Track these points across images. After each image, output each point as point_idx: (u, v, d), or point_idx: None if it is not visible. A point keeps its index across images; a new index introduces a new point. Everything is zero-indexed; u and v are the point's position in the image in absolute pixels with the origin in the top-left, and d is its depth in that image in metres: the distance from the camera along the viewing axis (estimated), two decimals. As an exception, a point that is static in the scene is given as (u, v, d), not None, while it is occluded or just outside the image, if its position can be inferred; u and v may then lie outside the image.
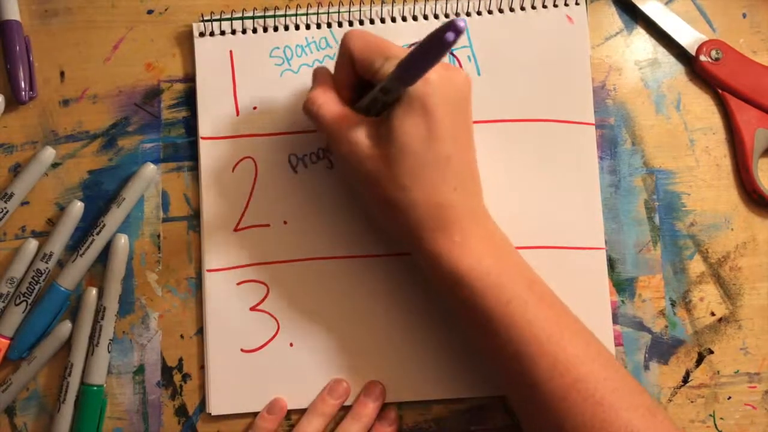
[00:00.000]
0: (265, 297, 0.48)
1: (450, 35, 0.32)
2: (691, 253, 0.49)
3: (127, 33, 0.50)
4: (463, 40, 0.49)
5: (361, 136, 0.40)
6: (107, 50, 0.50)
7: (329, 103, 0.41)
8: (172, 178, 0.49)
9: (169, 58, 0.50)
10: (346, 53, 0.41)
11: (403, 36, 0.49)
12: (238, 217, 0.48)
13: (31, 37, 0.50)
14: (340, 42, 0.42)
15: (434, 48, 0.34)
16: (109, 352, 0.47)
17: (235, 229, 0.48)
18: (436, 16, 0.50)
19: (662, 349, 0.48)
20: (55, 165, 0.49)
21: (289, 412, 0.48)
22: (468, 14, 0.50)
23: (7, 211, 0.48)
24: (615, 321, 0.48)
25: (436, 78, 0.39)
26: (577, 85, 0.49)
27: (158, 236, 0.49)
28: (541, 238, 0.48)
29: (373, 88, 0.41)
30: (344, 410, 0.47)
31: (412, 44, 0.38)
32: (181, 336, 0.48)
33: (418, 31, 0.49)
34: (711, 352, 0.48)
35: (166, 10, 0.50)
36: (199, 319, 0.48)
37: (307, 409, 0.47)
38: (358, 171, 0.41)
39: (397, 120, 0.39)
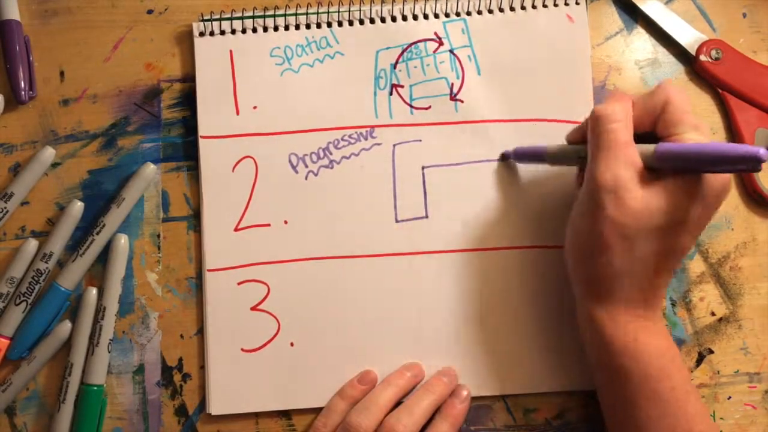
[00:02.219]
0: (266, 297, 0.48)
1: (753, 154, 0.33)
2: (691, 253, 0.49)
3: (127, 33, 0.50)
4: (463, 39, 0.49)
5: (628, 178, 0.38)
6: (107, 50, 0.50)
7: (625, 129, 0.39)
8: (172, 178, 0.49)
9: (169, 58, 0.50)
10: (660, 98, 0.40)
11: (402, 35, 0.49)
12: (238, 217, 0.48)
13: (31, 37, 0.50)
14: (655, 87, 0.41)
15: (724, 159, 0.34)
16: (109, 352, 0.47)
17: (236, 229, 0.48)
18: (436, 16, 0.50)
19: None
20: (55, 165, 0.49)
21: (290, 412, 0.48)
22: (468, 13, 0.50)
23: (7, 211, 0.48)
24: (615, 321, 0.48)
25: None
26: (577, 84, 0.49)
27: (158, 236, 0.49)
28: (541, 237, 0.48)
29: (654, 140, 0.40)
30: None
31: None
32: (181, 336, 0.48)
33: (419, 30, 0.49)
34: (711, 352, 0.49)
35: (166, 9, 0.50)
36: (199, 319, 0.48)
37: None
38: (606, 206, 0.38)
39: (677, 195, 0.38)
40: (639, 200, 0.38)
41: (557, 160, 0.45)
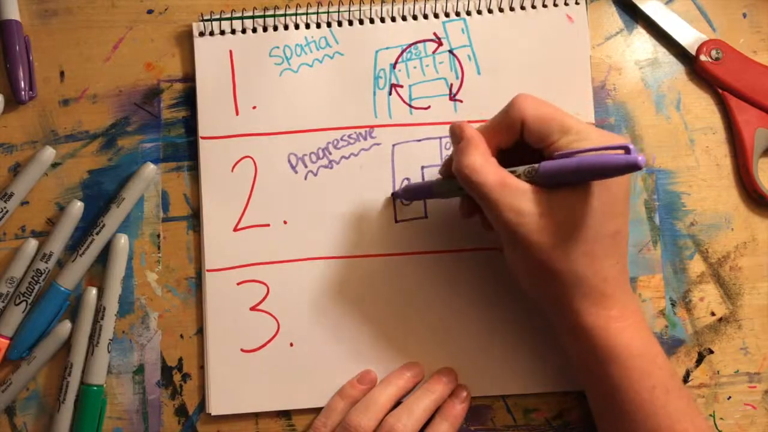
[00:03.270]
0: (265, 297, 0.48)
1: (638, 162, 0.33)
2: (691, 253, 0.49)
3: (127, 33, 0.50)
4: (462, 39, 0.49)
5: (528, 206, 0.38)
6: (107, 50, 0.50)
7: (490, 169, 0.39)
8: (171, 178, 0.49)
9: (168, 58, 0.50)
10: (516, 118, 0.40)
11: (402, 35, 0.49)
12: (238, 217, 0.48)
13: (31, 37, 0.50)
14: (508, 104, 0.40)
15: (611, 167, 0.35)
16: (108, 352, 0.47)
17: (235, 229, 0.48)
18: (436, 16, 0.50)
19: (662, 349, 0.48)
20: (54, 165, 0.49)
21: (290, 412, 0.48)
22: (468, 13, 0.50)
23: (7, 211, 0.48)
24: (615, 321, 0.48)
25: None
26: (577, 84, 0.49)
27: (158, 236, 0.49)
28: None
29: (524, 154, 0.40)
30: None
31: (580, 150, 0.37)
32: (181, 336, 0.48)
33: (418, 30, 0.49)
34: (711, 352, 0.48)
35: (166, 9, 0.50)
36: (199, 319, 0.48)
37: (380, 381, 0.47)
38: (521, 240, 0.39)
39: (577, 196, 0.38)
40: (544, 216, 0.38)
41: (443, 194, 0.45)
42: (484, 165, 0.39)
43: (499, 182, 0.39)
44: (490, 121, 0.42)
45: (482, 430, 0.48)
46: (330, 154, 0.49)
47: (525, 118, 0.40)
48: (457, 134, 0.41)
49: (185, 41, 0.50)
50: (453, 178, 0.42)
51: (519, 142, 0.41)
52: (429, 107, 0.49)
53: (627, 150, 0.34)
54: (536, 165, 0.38)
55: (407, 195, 0.48)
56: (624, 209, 0.40)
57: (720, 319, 0.49)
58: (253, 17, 0.50)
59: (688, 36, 0.50)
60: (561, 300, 0.40)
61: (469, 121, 0.49)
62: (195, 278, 0.49)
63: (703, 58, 0.49)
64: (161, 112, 0.50)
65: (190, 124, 0.50)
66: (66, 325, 0.48)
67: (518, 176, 0.39)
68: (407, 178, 0.49)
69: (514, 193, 0.38)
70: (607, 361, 0.40)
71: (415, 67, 0.49)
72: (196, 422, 0.48)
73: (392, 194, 0.49)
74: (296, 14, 0.50)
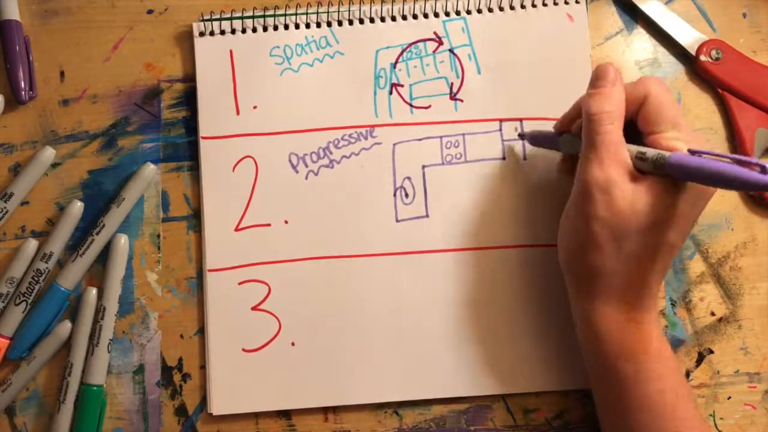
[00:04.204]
0: (267, 297, 0.48)
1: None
2: (691, 253, 0.49)
3: (127, 33, 0.50)
4: (463, 38, 0.50)
5: (619, 178, 0.38)
6: (107, 50, 0.50)
7: (618, 129, 0.39)
8: (172, 178, 0.49)
9: (169, 58, 0.50)
10: (641, 92, 0.40)
11: (402, 35, 0.49)
12: (239, 217, 0.48)
13: (31, 37, 0.50)
14: (637, 80, 0.41)
15: (741, 181, 0.34)
16: (109, 352, 0.47)
17: (236, 229, 0.48)
18: (436, 15, 0.50)
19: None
20: (54, 165, 0.49)
21: (290, 412, 0.48)
22: (468, 12, 0.50)
23: (7, 211, 0.48)
24: (615, 321, 0.48)
25: None
26: (577, 83, 0.49)
27: (158, 236, 0.49)
28: (542, 236, 0.48)
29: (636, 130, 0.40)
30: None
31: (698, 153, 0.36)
32: (181, 336, 0.48)
33: (418, 29, 0.49)
34: (711, 352, 0.49)
35: (166, 9, 0.50)
36: (199, 319, 0.48)
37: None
38: (592, 205, 0.39)
39: (663, 194, 0.38)
40: (628, 200, 0.38)
41: (566, 149, 0.45)
42: (617, 119, 0.39)
43: (618, 142, 0.39)
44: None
45: (482, 430, 0.48)
46: (331, 153, 0.49)
47: (648, 96, 0.40)
48: (602, 74, 0.41)
49: (185, 41, 0.50)
50: (573, 136, 0.42)
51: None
52: (429, 106, 0.49)
53: (764, 169, 0.33)
54: (653, 151, 0.38)
55: (533, 140, 0.48)
56: (691, 225, 0.40)
57: (720, 319, 0.49)
58: (253, 17, 0.50)
59: (688, 36, 0.50)
60: (590, 279, 0.40)
61: (470, 121, 0.49)
62: (195, 278, 0.49)
63: (703, 58, 0.49)
64: (161, 112, 0.50)
65: (191, 124, 0.50)
66: (66, 325, 0.47)
67: (640, 156, 0.39)
68: (408, 177, 0.49)
69: (618, 161, 0.38)
70: (620, 357, 0.40)
71: (415, 67, 0.49)
72: (196, 422, 0.48)
73: (519, 135, 0.49)
74: (296, 14, 0.50)
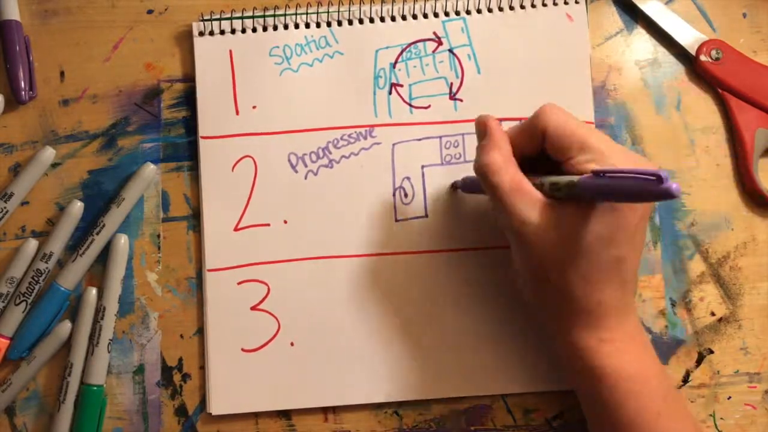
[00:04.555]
0: (266, 296, 0.48)
1: (672, 191, 0.32)
2: (691, 253, 0.49)
3: (127, 33, 0.50)
4: (462, 38, 0.50)
5: (536, 217, 0.38)
6: (107, 50, 0.50)
7: (508, 171, 0.39)
8: (172, 178, 0.49)
9: (169, 58, 0.50)
10: (539, 127, 0.40)
11: (402, 35, 0.49)
12: (238, 217, 0.48)
13: (31, 37, 0.50)
14: (534, 113, 0.40)
15: (645, 194, 0.33)
16: (109, 352, 0.47)
17: (236, 229, 0.48)
18: (435, 15, 0.50)
19: (662, 349, 0.48)
20: (55, 165, 0.49)
21: (290, 412, 0.48)
22: (468, 12, 0.50)
23: (7, 211, 0.48)
24: (615, 321, 0.48)
25: None
26: (577, 83, 0.49)
27: (158, 236, 0.49)
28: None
29: (549, 164, 0.40)
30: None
31: (606, 172, 0.36)
32: (181, 336, 0.48)
33: (418, 29, 0.50)
34: (711, 352, 0.48)
35: (166, 9, 0.50)
36: (199, 319, 0.48)
37: None
38: (523, 246, 0.39)
39: (581, 217, 0.37)
40: (549, 231, 0.38)
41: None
42: (502, 167, 0.39)
43: (513, 186, 0.39)
44: (518, 125, 0.42)
45: (482, 430, 0.48)
46: (330, 153, 0.49)
47: (546, 129, 0.39)
48: (481, 130, 0.41)
49: (185, 41, 0.50)
50: None
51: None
52: (429, 106, 0.49)
53: (660, 179, 0.33)
54: (563, 178, 0.38)
55: (465, 187, 0.47)
56: (630, 237, 0.39)
57: (720, 319, 0.49)
58: (253, 17, 0.50)
59: (688, 36, 0.50)
60: (555, 314, 0.41)
61: (470, 121, 0.49)
62: (195, 278, 0.49)
63: (703, 58, 0.49)
64: (161, 112, 0.50)
65: (190, 124, 0.50)
66: (66, 325, 0.48)
67: (540, 185, 0.39)
68: (407, 177, 0.49)
69: (525, 200, 0.38)
70: (595, 380, 0.40)
71: (415, 67, 0.49)
72: (196, 422, 0.48)
73: (451, 185, 0.48)
74: (296, 14, 0.50)
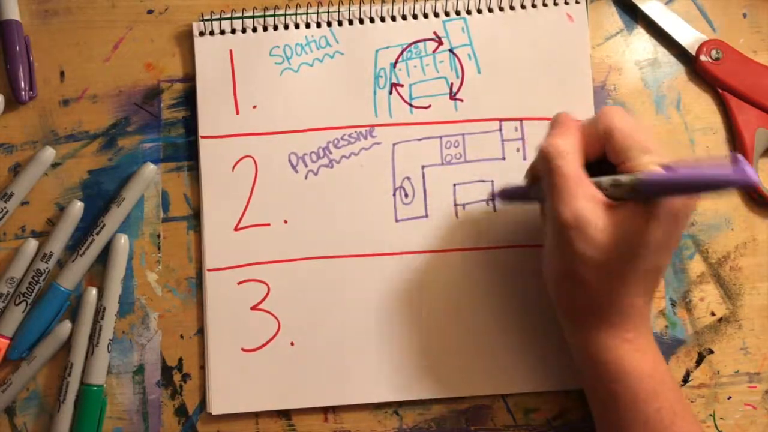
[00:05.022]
0: (266, 296, 0.48)
1: (741, 178, 0.32)
2: (691, 253, 0.49)
3: (127, 33, 0.50)
4: (463, 38, 0.50)
5: (591, 212, 0.37)
6: (107, 50, 0.50)
7: (575, 159, 0.39)
8: (172, 178, 0.49)
9: (169, 58, 0.50)
10: (604, 128, 0.39)
11: (402, 34, 0.49)
12: (238, 217, 0.48)
13: (31, 37, 0.50)
14: (596, 114, 0.40)
15: (713, 185, 0.33)
16: (109, 352, 0.47)
17: (236, 229, 0.48)
18: (436, 15, 0.50)
19: (662, 349, 0.47)
20: (55, 165, 0.49)
21: (290, 412, 0.48)
22: (468, 12, 0.50)
23: (7, 211, 0.48)
24: (615, 321, 0.48)
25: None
26: (577, 83, 0.49)
27: (158, 236, 0.49)
28: (541, 236, 0.48)
29: (609, 165, 0.40)
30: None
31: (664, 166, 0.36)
32: (181, 336, 0.48)
33: (418, 29, 0.50)
34: (711, 352, 0.48)
35: (166, 9, 0.50)
36: (199, 319, 0.48)
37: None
38: (567, 242, 0.38)
39: (636, 221, 0.37)
40: (605, 232, 0.37)
41: (539, 196, 0.43)
42: (570, 153, 0.39)
43: (577, 176, 0.38)
44: (578, 127, 0.41)
45: (482, 430, 0.48)
46: (330, 153, 0.49)
47: (612, 129, 0.39)
48: (558, 120, 0.41)
49: (185, 41, 0.50)
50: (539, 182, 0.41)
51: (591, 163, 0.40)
52: (429, 106, 0.49)
53: (736, 160, 0.33)
54: (627, 176, 0.38)
55: (504, 195, 0.47)
56: (675, 244, 0.39)
57: (720, 319, 0.49)
58: (253, 17, 0.50)
59: (688, 36, 0.50)
60: (580, 312, 0.40)
61: (470, 121, 0.49)
62: (195, 278, 0.49)
63: (703, 58, 0.49)
64: (161, 112, 0.50)
65: (190, 124, 0.50)
66: (66, 325, 0.48)
67: (598, 184, 0.39)
68: (408, 177, 0.49)
69: (585, 193, 0.38)
70: (615, 380, 0.39)
71: (415, 67, 0.49)
72: (196, 422, 0.48)
73: (489, 196, 0.48)
74: (296, 14, 0.50)
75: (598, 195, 0.38)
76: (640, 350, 0.40)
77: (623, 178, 0.38)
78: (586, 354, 0.41)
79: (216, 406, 0.47)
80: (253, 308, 0.48)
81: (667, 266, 0.40)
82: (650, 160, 0.38)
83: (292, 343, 0.48)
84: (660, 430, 0.39)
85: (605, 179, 0.39)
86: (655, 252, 0.38)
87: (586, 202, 0.38)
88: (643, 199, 0.37)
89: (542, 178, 0.40)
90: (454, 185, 0.49)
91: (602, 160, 0.40)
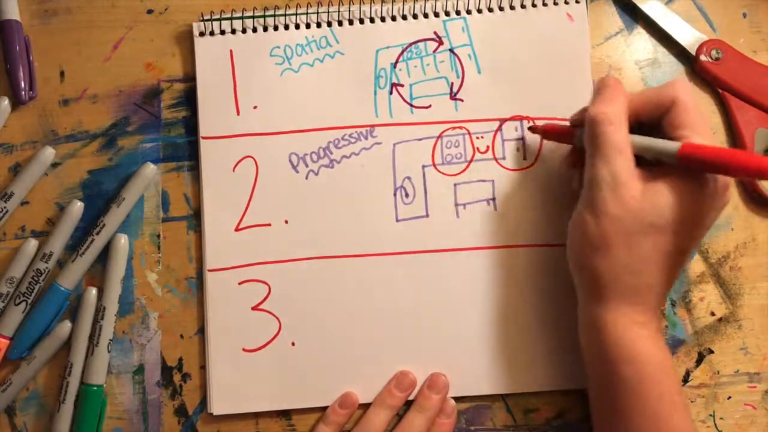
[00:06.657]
0: (267, 296, 0.48)
1: None
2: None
3: (127, 33, 0.50)
4: (463, 38, 0.50)
5: (626, 176, 0.38)
6: (107, 50, 0.50)
7: (622, 128, 0.39)
8: (172, 178, 0.49)
9: (169, 58, 0.50)
10: (669, 96, 0.40)
11: (402, 34, 0.49)
12: (239, 217, 0.48)
13: (31, 37, 0.50)
14: (666, 83, 0.41)
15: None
16: (108, 352, 0.47)
17: (236, 229, 0.48)
18: (436, 14, 0.50)
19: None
20: (54, 165, 0.49)
21: (290, 412, 0.48)
22: (468, 12, 0.50)
23: (7, 211, 0.48)
24: (615, 321, 0.48)
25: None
26: (577, 83, 0.49)
27: (158, 236, 0.49)
28: (543, 235, 0.48)
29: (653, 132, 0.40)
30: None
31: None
32: (181, 336, 0.48)
33: (419, 29, 0.50)
34: (711, 352, 0.49)
35: (166, 9, 0.50)
36: (199, 319, 0.48)
37: (372, 402, 0.47)
38: (600, 204, 0.39)
39: (671, 195, 0.38)
40: (638, 197, 0.38)
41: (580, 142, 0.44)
42: (617, 120, 0.39)
43: (621, 145, 0.39)
44: (639, 93, 0.42)
45: (482, 430, 0.48)
46: (331, 153, 0.49)
47: (677, 100, 0.40)
48: (607, 84, 0.41)
49: (185, 41, 0.50)
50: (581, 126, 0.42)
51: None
52: (430, 106, 0.49)
53: None
54: (674, 144, 0.38)
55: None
56: (704, 234, 0.40)
57: (720, 319, 0.49)
58: (253, 17, 0.50)
59: (688, 36, 0.50)
60: (599, 285, 0.40)
61: (470, 121, 0.49)
62: (195, 278, 0.49)
63: (703, 58, 0.49)
64: (161, 112, 0.50)
65: (191, 124, 0.50)
66: (66, 325, 0.47)
67: (642, 145, 0.40)
68: (408, 177, 0.49)
69: (627, 164, 0.39)
70: (621, 361, 0.39)
71: (415, 66, 0.49)
72: (196, 422, 0.48)
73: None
74: (296, 14, 0.50)
75: (636, 167, 0.39)
76: (649, 337, 0.40)
77: (671, 143, 0.39)
78: (596, 330, 0.41)
79: (217, 407, 0.47)
80: (254, 308, 0.48)
81: (689, 256, 0.40)
82: (700, 142, 0.39)
83: (293, 344, 0.48)
84: (658, 417, 0.39)
85: (652, 141, 0.39)
86: (689, 231, 0.38)
87: (626, 167, 0.39)
88: (685, 167, 0.38)
89: (586, 139, 0.41)
90: (455, 185, 0.49)
91: (645, 125, 0.41)
